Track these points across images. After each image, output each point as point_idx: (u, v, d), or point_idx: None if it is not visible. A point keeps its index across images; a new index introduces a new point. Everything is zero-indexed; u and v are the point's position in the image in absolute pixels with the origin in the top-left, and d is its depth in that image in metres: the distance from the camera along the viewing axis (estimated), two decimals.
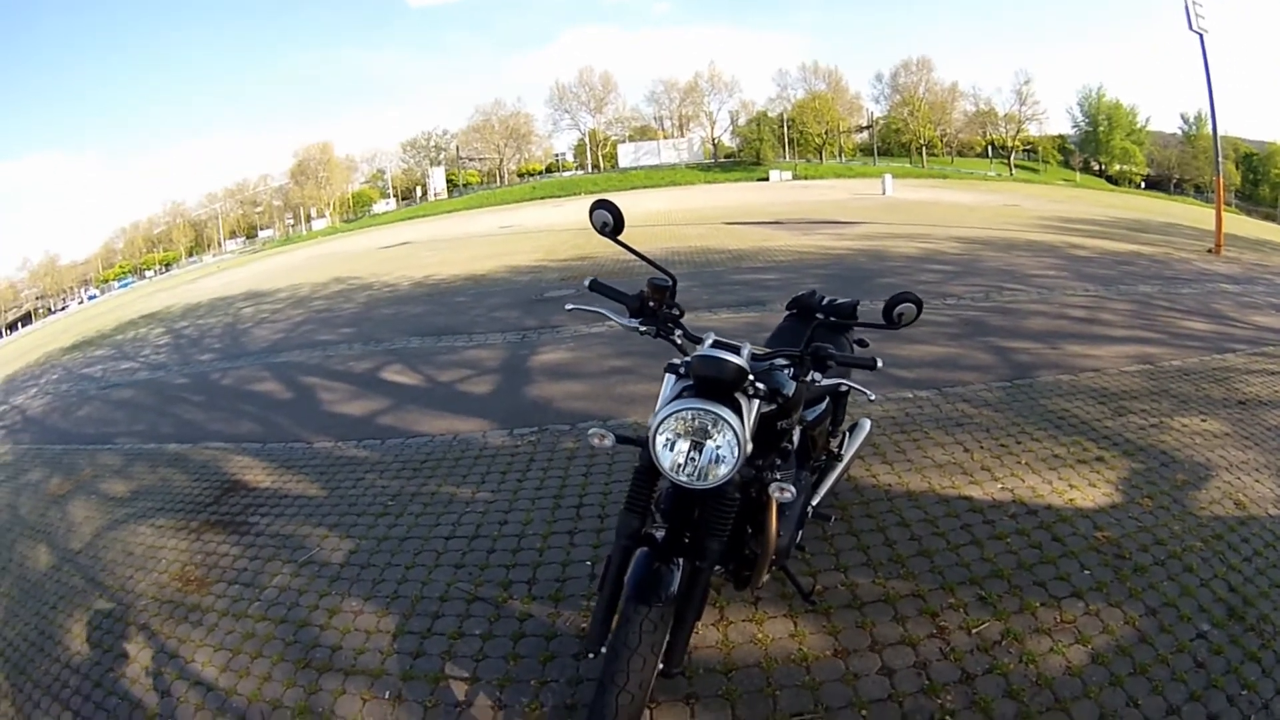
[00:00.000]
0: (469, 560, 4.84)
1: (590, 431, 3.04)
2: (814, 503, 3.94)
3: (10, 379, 20.60)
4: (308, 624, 4.41)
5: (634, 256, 3.34)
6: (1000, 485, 5.20)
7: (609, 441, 3.01)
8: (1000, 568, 4.21)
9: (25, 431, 12.13)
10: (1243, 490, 5.14)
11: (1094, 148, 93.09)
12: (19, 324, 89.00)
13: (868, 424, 4.84)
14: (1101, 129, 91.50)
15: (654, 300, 3.19)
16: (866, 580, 4.16)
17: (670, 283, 3.18)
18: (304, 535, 5.59)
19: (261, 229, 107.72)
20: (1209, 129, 24.97)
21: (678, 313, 3.24)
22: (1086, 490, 5.10)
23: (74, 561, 6.11)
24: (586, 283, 3.34)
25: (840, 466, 4.40)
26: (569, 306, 3.44)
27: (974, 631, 3.69)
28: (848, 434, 4.65)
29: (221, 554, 5.57)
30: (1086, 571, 4.15)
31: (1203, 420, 6.39)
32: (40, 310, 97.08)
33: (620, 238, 3.20)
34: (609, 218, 3.10)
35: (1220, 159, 21.00)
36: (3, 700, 4.52)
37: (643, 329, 3.21)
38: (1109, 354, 8.37)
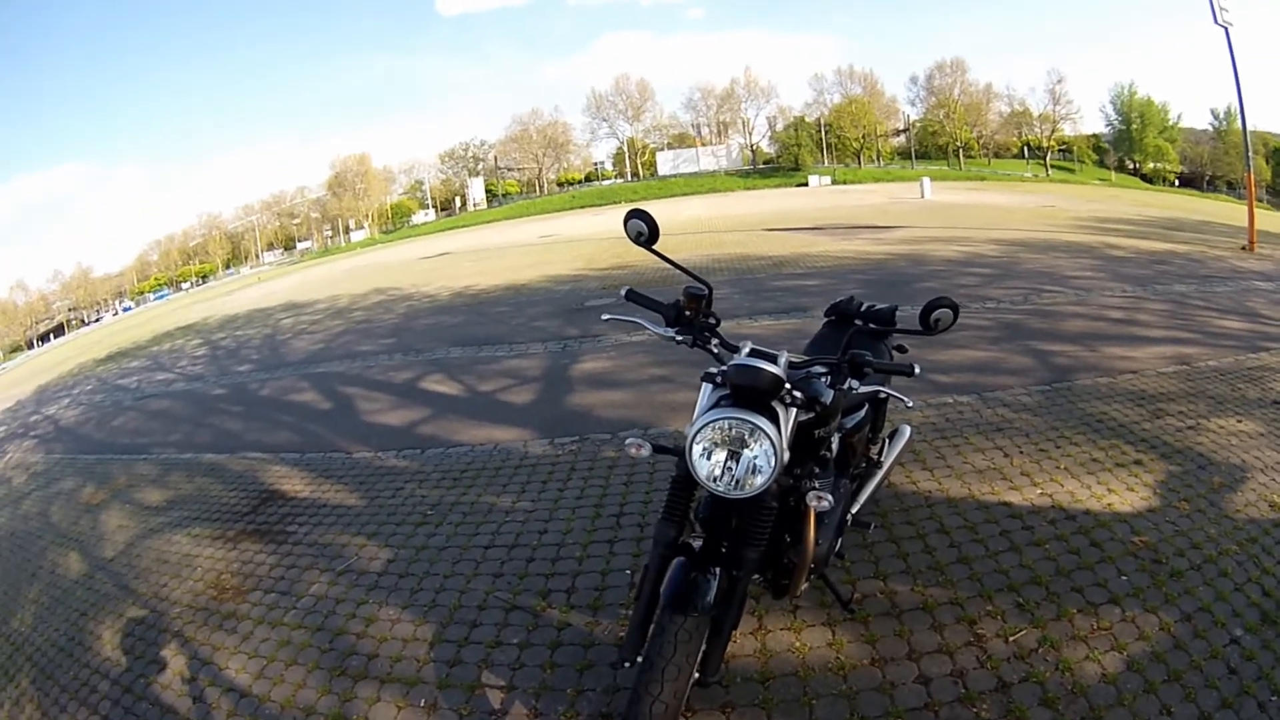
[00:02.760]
0: (508, 569, 4.85)
1: (627, 441, 3.04)
2: (854, 510, 3.92)
3: (43, 389, 20.88)
4: (344, 632, 4.44)
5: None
6: (1039, 491, 5.16)
7: (646, 451, 3.01)
8: (1038, 574, 4.18)
9: (58, 441, 12.34)
10: (1278, 492, 5.07)
11: (1128, 146, 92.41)
12: (51, 335, 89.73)
13: (908, 430, 4.77)
14: (1134, 127, 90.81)
15: (690, 309, 3.18)
16: (905, 588, 4.15)
17: (706, 291, 3.17)
18: (342, 544, 5.63)
19: (299, 241, 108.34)
20: (1239, 124, 24.74)
21: (714, 321, 3.23)
22: (1124, 494, 5.06)
23: (106, 569, 6.20)
24: (623, 292, 3.34)
25: (880, 474, 4.35)
26: (605, 317, 3.46)
27: (1011, 639, 3.66)
28: (888, 440, 4.60)
29: (258, 562, 5.63)
30: (1124, 577, 4.12)
31: (1238, 421, 6.32)
32: (73, 322, 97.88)
33: (655, 246, 3.21)
34: (644, 227, 3.11)
35: (1250, 154, 20.81)
36: (28, 704, 4.56)
37: (679, 338, 3.20)
38: (1146, 355, 8.30)
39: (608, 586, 4.49)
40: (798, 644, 3.76)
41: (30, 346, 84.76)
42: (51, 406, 16.55)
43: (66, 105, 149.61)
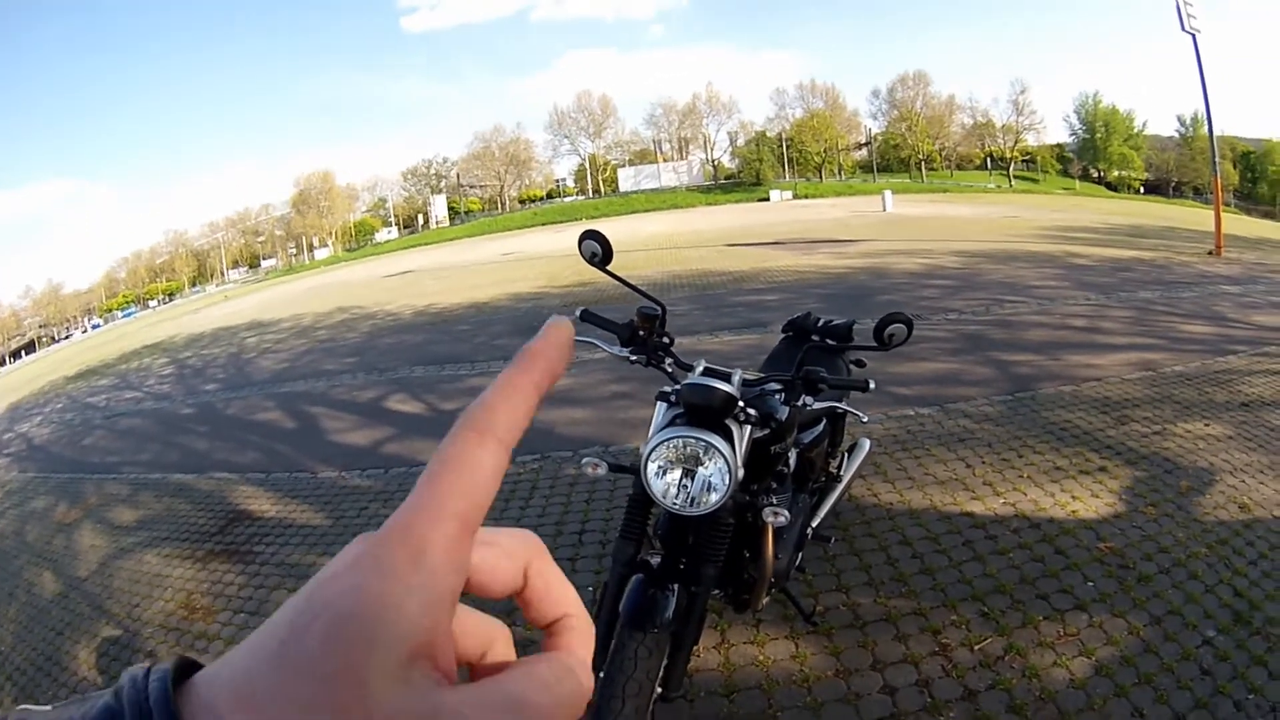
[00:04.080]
0: None
1: (583, 461, 3.07)
2: (814, 524, 3.93)
3: (14, 406, 20.72)
4: None
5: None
6: (1002, 500, 5.20)
7: (602, 470, 3.03)
8: (1003, 583, 4.20)
9: (30, 459, 12.21)
10: (1247, 493, 5.14)
11: (1092, 155, 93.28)
12: (22, 352, 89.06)
13: (868, 443, 4.80)
14: (1099, 136, 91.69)
15: (644, 329, 3.19)
16: (868, 600, 4.16)
17: (659, 311, 3.18)
18: (309, 564, 5.62)
19: (264, 258, 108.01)
20: (1205, 130, 24.99)
21: (668, 340, 3.23)
22: (1089, 501, 5.10)
23: (81, 588, 6.16)
24: (577, 313, 3.35)
25: (840, 487, 4.37)
26: None
27: (976, 648, 3.68)
28: (847, 454, 4.62)
29: (227, 582, 5.61)
30: (1090, 583, 4.15)
31: (1205, 425, 6.40)
32: (44, 339, 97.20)
33: (610, 267, 3.21)
34: (598, 248, 3.10)
35: (1217, 159, 21.03)
36: None
37: (633, 358, 3.20)
38: (1110, 362, 8.38)
39: None
40: (761, 657, 3.77)
41: (1, 364, 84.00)
42: (24, 424, 16.39)
43: (36, 126, 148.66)
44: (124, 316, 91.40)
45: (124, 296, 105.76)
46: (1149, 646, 3.60)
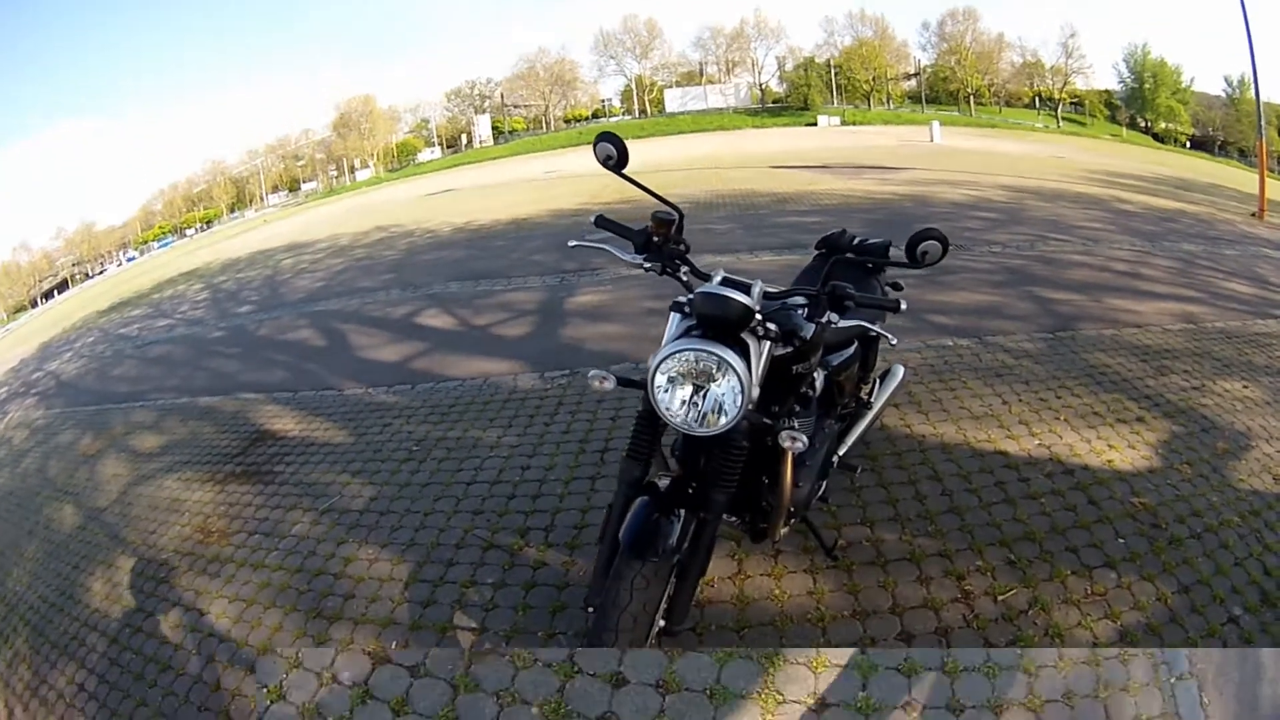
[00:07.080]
0: (488, 506, 4.80)
1: (591, 374, 2.88)
2: (841, 452, 3.82)
3: (46, 345, 21.04)
4: (323, 572, 4.42)
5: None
6: (1037, 441, 5.04)
7: (610, 384, 2.85)
8: (1032, 530, 4.06)
9: (58, 396, 12.44)
10: None
11: (1139, 104, 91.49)
12: (55, 291, 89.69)
13: (902, 370, 4.67)
14: (1147, 87, 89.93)
15: (659, 235, 3.05)
16: (893, 536, 4.03)
17: (675, 216, 3.04)
18: (327, 483, 5.61)
19: (304, 182, 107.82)
20: (1252, 94, 24.46)
21: (684, 248, 3.09)
22: (1125, 452, 4.92)
23: (99, 519, 6.24)
24: (593, 219, 3.22)
25: (870, 415, 4.24)
26: (572, 244, 3.31)
27: (1000, 598, 3.55)
28: (879, 380, 4.48)
29: (244, 504, 5.64)
30: (1121, 540, 3.99)
31: (1244, 387, 6.16)
32: (77, 276, 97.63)
33: (627, 171, 3.07)
34: (613, 150, 2.95)
35: (1263, 123, 20.62)
36: (21, 665, 4.58)
37: (647, 265, 3.07)
38: (1151, 310, 8.18)
39: (587, 525, 4.41)
40: (777, 591, 3.66)
41: (34, 305, 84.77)
42: (54, 362, 16.68)
43: (58, 61, 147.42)
44: (160, 247, 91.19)
45: (160, 227, 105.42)
46: (1174, 617, 3.45)
